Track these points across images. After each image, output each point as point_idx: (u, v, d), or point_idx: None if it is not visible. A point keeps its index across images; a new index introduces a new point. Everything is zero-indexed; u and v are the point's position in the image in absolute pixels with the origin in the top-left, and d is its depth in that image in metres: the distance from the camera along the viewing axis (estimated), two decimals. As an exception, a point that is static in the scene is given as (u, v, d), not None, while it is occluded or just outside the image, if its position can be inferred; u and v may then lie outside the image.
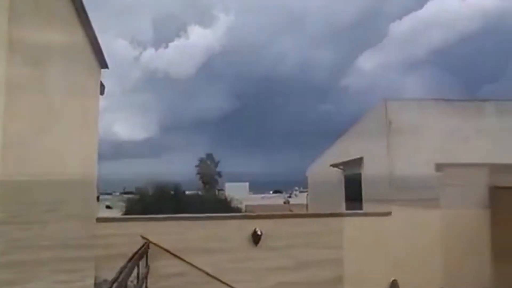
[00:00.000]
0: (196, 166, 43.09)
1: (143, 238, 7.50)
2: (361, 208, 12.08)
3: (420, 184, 9.09)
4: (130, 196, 26.91)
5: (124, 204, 23.91)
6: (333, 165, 15.80)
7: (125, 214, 20.81)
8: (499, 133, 10.97)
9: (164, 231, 7.80)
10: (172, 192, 23.65)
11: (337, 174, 15.95)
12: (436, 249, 7.65)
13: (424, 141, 10.73)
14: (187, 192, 27.93)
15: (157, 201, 21.28)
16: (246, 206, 29.27)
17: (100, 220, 7.66)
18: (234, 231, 8.06)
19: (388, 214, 8.41)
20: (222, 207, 22.94)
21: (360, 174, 13.69)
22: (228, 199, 27.30)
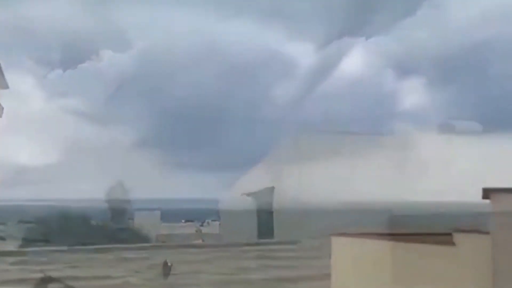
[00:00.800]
0: (105, 193, 41.10)
1: (42, 272, 6.96)
2: (272, 236, 12.32)
3: (329, 212, 9.51)
4: (28, 225, 24.78)
5: (21, 235, 21.98)
6: (246, 194, 16.01)
7: (22, 246, 19.14)
8: (394, 166, 11.92)
9: (67, 263, 7.32)
10: (77, 221, 22.28)
11: (250, 203, 16.16)
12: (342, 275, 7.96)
13: (330, 172, 11.33)
14: (93, 221, 26.43)
15: (59, 231, 19.89)
16: (157, 235, 28.27)
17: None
18: (143, 261, 7.79)
19: (298, 242, 8.67)
20: (131, 236, 22.04)
21: (271, 203, 14.01)
22: (138, 228, 26.28)
